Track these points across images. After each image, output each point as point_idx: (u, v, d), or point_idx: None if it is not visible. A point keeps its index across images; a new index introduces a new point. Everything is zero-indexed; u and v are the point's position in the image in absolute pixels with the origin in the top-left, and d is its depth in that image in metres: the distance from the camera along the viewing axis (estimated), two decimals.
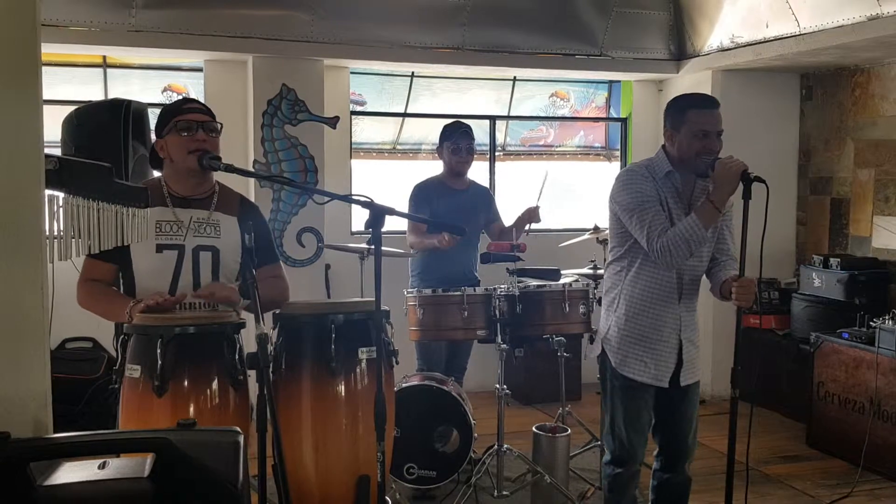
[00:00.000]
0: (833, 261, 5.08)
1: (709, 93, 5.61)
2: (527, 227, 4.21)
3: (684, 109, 2.76)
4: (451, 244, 3.89)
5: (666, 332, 2.81)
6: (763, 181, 2.57)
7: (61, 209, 1.64)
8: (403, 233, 4.28)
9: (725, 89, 5.71)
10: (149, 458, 1.23)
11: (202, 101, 4.73)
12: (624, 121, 6.52)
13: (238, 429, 1.30)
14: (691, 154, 2.71)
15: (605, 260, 4.12)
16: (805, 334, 4.96)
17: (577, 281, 3.89)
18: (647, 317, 2.81)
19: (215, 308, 2.53)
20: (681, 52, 5.93)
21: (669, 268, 2.75)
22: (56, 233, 1.62)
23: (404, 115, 6.02)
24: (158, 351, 2.21)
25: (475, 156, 4.33)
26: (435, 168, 4.40)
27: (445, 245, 3.89)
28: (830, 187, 5.76)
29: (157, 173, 2.75)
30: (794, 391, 5.07)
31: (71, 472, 1.23)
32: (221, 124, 2.65)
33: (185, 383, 2.26)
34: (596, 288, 4.01)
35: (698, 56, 5.77)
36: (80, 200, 1.69)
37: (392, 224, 4.22)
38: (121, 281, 2.61)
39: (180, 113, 2.58)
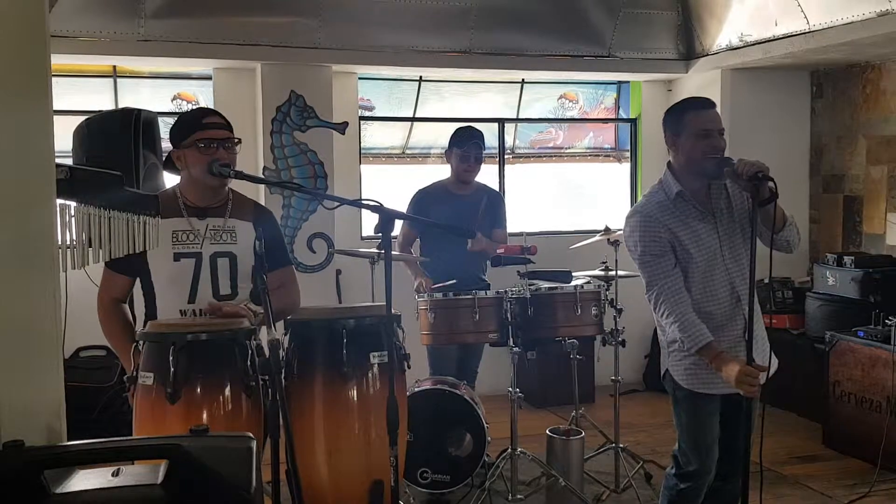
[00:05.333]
0: (847, 259, 5.03)
1: (718, 92, 5.63)
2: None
3: (682, 114, 2.76)
4: (425, 290, 3.89)
5: (733, 342, 2.74)
6: (771, 179, 2.53)
7: (73, 218, 1.65)
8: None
9: (735, 88, 5.68)
10: (162, 465, 1.23)
11: (212, 108, 4.77)
12: (633, 121, 6.50)
13: (251, 434, 1.30)
14: (697, 155, 2.69)
15: (616, 261, 4.14)
16: (820, 333, 4.92)
17: (588, 283, 3.87)
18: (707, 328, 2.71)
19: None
20: (689, 51, 5.91)
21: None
22: (68, 242, 1.63)
23: (413, 119, 6.02)
24: (171, 358, 2.22)
25: (485, 159, 4.32)
26: (444, 172, 4.39)
27: (421, 289, 3.90)
28: (843, 185, 5.72)
29: (167, 179, 2.77)
30: (809, 391, 5.02)
31: (85, 480, 1.23)
32: (240, 139, 2.66)
33: (198, 390, 2.27)
34: (608, 290, 4.00)
35: (707, 55, 5.74)
36: (91, 209, 1.69)
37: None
38: (141, 291, 2.64)
39: (200, 129, 2.58)
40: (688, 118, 2.73)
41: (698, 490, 2.82)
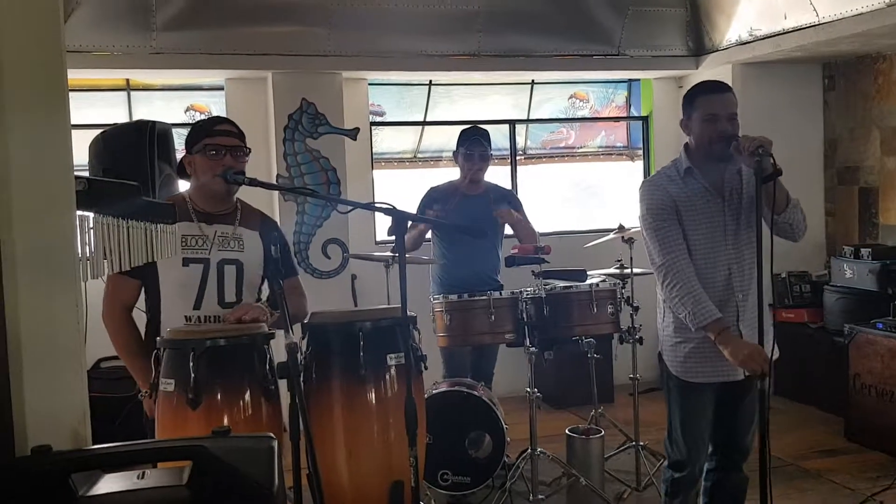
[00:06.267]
0: (864, 251, 5.01)
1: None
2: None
3: (693, 97, 2.78)
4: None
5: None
6: (770, 155, 2.51)
7: (92, 229, 1.67)
8: (427, 240, 4.29)
9: (746, 83, 5.67)
10: (186, 467, 1.25)
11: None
12: (645, 119, 6.50)
13: (272, 434, 1.32)
14: (704, 140, 2.71)
15: (630, 259, 4.14)
16: (839, 326, 4.89)
17: (604, 281, 3.87)
18: None
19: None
20: (699, 47, 5.90)
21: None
22: (88, 252, 1.65)
23: (423, 123, 6.05)
24: (191, 364, 2.25)
25: (497, 160, 4.33)
26: (456, 175, 4.40)
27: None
28: (858, 177, 5.69)
29: (182, 186, 2.80)
30: (829, 384, 4.99)
31: (111, 483, 1.26)
32: (250, 149, 2.70)
33: (218, 395, 2.29)
34: (623, 287, 3.99)
35: (717, 51, 5.73)
36: (109, 219, 1.72)
37: None
38: (144, 294, 2.66)
39: (210, 135, 2.62)
40: (698, 101, 2.74)
41: (692, 479, 2.83)
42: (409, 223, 4.11)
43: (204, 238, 2.63)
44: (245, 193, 2.75)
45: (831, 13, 4.73)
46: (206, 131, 2.64)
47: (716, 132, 2.68)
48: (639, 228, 3.02)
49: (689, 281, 2.66)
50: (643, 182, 2.90)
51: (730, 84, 5.63)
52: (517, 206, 4.43)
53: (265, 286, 2.78)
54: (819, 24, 4.84)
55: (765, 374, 2.56)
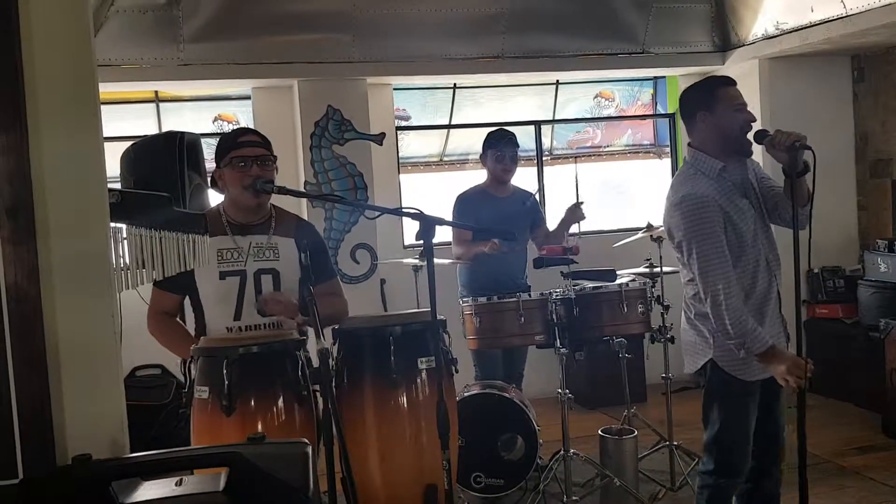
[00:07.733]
0: None
1: (757, 82, 5.57)
2: (575, 229, 4.18)
3: (712, 89, 2.71)
4: (499, 248, 3.87)
5: (772, 318, 2.70)
6: (809, 148, 2.49)
7: (125, 240, 1.70)
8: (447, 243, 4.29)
9: (774, 77, 5.60)
10: (223, 474, 1.27)
11: (252, 126, 4.85)
12: (671, 116, 6.44)
13: (306, 440, 1.34)
14: (735, 130, 2.65)
15: (660, 258, 4.10)
16: (874, 321, 4.81)
17: (633, 280, 3.84)
18: (751, 313, 2.65)
19: (279, 327, 2.62)
20: (725, 42, 5.84)
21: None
22: (122, 263, 1.68)
23: (449, 126, 6.06)
24: (224, 371, 2.28)
25: (522, 162, 4.33)
26: (482, 177, 4.41)
27: (496, 249, 3.87)
28: (891, 169, 5.59)
29: (212, 198, 2.84)
30: (866, 380, 4.91)
31: (150, 490, 1.28)
32: (276, 156, 2.73)
33: (252, 402, 2.32)
34: (654, 286, 3.96)
35: (743, 46, 5.67)
36: (142, 230, 1.75)
37: (443, 234, 4.24)
38: (191, 307, 2.72)
39: (236, 147, 2.67)
40: (720, 93, 2.68)
41: (739, 484, 2.78)
42: (456, 240, 4.16)
43: (239, 250, 2.67)
44: (274, 200, 2.78)
45: (859, 4, 4.66)
46: (231, 144, 2.69)
47: (745, 121, 2.66)
48: (670, 220, 2.95)
49: (740, 311, 2.57)
50: (682, 198, 2.63)
51: (757, 79, 5.62)
52: (537, 206, 4.44)
53: None
54: (847, 16, 4.77)
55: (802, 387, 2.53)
